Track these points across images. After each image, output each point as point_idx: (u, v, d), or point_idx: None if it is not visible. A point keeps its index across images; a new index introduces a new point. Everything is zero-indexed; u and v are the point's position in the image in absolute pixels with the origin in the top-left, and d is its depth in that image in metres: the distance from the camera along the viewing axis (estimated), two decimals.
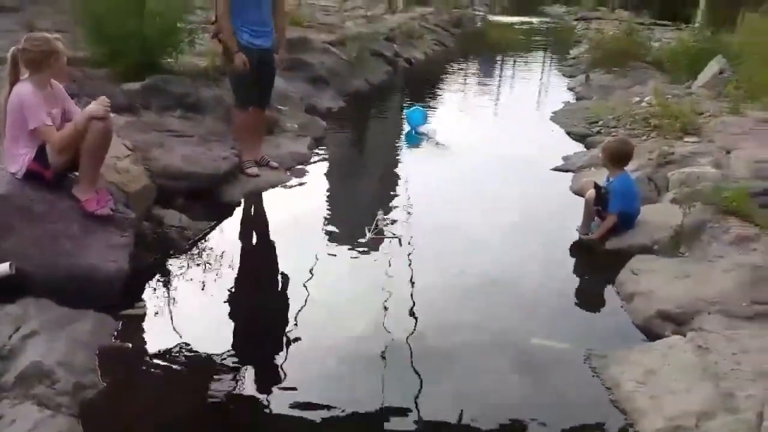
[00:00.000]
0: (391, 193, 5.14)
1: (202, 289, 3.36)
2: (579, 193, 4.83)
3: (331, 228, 4.34)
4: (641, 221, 4.09)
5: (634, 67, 9.67)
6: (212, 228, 4.07)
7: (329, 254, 3.90)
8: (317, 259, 3.79)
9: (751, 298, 2.98)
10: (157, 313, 3.08)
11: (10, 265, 2.78)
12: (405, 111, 7.20)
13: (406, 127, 7.06)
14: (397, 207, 4.79)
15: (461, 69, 12.16)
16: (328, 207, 4.78)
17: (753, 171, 4.63)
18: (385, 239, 4.11)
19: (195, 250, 3.77)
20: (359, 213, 4.50)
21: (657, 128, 6.24)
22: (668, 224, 3.91)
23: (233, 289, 3.42)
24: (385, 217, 4.38)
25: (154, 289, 3.32)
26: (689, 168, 4.83)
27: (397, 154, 6.34)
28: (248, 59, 4.60)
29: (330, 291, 3.49)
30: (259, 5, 4.61)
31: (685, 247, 3.73)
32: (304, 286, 3.45)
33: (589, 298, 3.56)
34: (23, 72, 3.11)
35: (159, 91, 5.36)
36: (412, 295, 3.42)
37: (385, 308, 3.27)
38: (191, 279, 3.45)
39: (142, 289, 3.28)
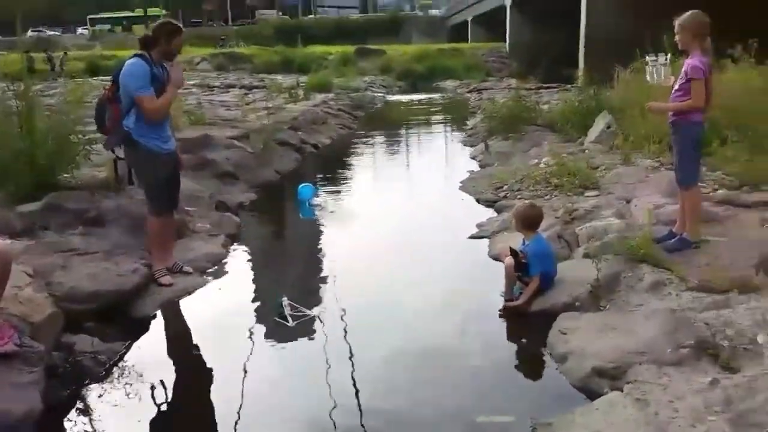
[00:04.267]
0: (313, 275, 5.14)
1: (125, 417, 3.12)
2: (497, 258, 4.95)
3: (253, 324, 4.21)
4: (559, 279, 4.21)
5: (528, 131, 10.21)
6: (128, 348, 3.81)
7: (256, 352, 3.78)
8: (245, 361, 3.64)
9: (676, 342, 3.09)
10: None
11: None
12: (297, 188, 7.57)
13: (300, 203, 7.40)
14: (319, 288, 4.81)
15: (366, 148, 12.45)
16: (250, 303, 4.63)
17: (653, 217, 4.90)
18: (317, 323, 4.11)
19: (112, 375, 3.51)
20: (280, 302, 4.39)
21: (558, 187, 6.57)
22: (585, 279, 4.04)
23: (158, 412, 3.19)
24: (293, 303, 4.30)
25: (73, 426, 3.04)
26: (595, 222, 5.07)
27: (314, 238, 6.32)
28: (163, 163, 4.54)
29: (264, 391, 3.38)
30: (166, 119, 4.59)
31: (605, 300, 3.85)
32: (236, 392, 3.30)
33: (524, 364, 3.59)
34: None
35: (57, 210, 5.11)
36: (347, 377, 3.38)
37: (324, 397, 3.21)
38: (112, 407, 3.19)
39: (59, 428, 3.00)
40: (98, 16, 62.92)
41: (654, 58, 4.51)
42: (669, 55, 4.54)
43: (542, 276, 4.14)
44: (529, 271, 4.14)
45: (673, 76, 4.38)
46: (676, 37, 4.24)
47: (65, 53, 32.81)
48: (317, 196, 7.57)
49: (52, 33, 53.46)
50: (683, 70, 4.21)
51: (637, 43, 8.21)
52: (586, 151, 8.09)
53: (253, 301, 4.69)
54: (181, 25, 4.65)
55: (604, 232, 4.78)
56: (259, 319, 4.28)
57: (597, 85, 9.91)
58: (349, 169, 10.16)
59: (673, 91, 4.31)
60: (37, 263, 4.15)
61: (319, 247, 6.02)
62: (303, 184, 7.59)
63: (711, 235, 4.43)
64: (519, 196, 6.68)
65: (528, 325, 3.97)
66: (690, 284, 3.74)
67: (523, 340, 3.87)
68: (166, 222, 4.78)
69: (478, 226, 6.08)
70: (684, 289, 3.71)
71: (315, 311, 4.28)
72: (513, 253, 4.23)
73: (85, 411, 3.17)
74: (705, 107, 4.27)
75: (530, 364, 3.57)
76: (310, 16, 65.12)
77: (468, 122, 14.39)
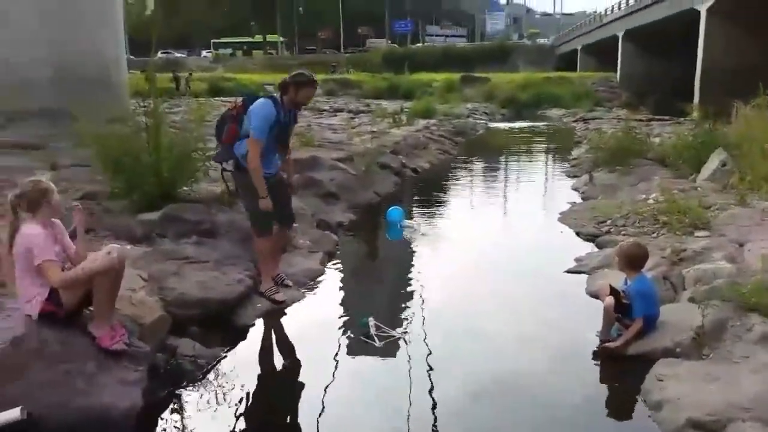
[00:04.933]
0: (403, 297, 5.19)
1: (216, 421, 3.29)
2: (595, 295, 4.79)
3: (343, 340, 4.32)
4: (661, 323, 4.01)
5: (636, 164, 9.82)
6: (226, 354, 4.03)
7: (341, 368, 3.88)
8: (334, 377, 3.76)
9: None
10: None
11: (21, 409, 2.76)
12: (387, 212, 7.75)
13: (389, 224, 7.58)
14: (408, 310, 4.87)
15: (465, 174, 12.47)
16: (342, 319, 4.74)
17: None
18: (402, 345, 4.18)
19: (209, 379, 3.72)
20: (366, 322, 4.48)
21: (666, 224, 6.26)
22: (689, 325, 3.84)
23: (248, 419, 3.34)
24: (379, 324, 4.37)
25: (168, 424, 3.25)
26: (704, 264, 4.79)
27: (407, 260, 6.40)
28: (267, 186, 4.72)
29: (344, 408, 3.46)
30: (275, 150, 4.83)
31: (709, 349, 3.63)
32: (318, 405, 3.41)
33: (616, 408, 3.45)
34: (23, 216, 3.23)
35: (175, 220, 5.50)
36: (427, 403, 3.40)
37: (401, 420, 3.25)
38: (205, 410, 3.39)
39: (156, 424, 3.22)
40: (221, 40, 67.16)
41: None
42: None
43: (645, 318, 3.97)
44: (632, 313, 3.99)
45: None
46: None
47: (190, 74, 35.19)
48: (408, 219, 7.68)
49: (179, 55, 57.62)
50: None
51: (760, 78, 7.76)
52: (699, 188, 7.67)
53: (345, 317, 4.80)
54: (315, 79, 4.80)
55: (713, 276, 4.51)
56: (349, 336, 4.38)
57: (713, 119, 9.39)
58: (446, 194, 10.21)
59: None
60: (152, 269, 4.48)
61: (411, 269, 6.07)
62: (392, 207, 7.78)
63: None
64: (623, 232, 6.44)
65: (624, 369, 3.81)
66: None
67: (617, 384, 3.73)
68: (275, 239, 4.97)
69: (577, 260, 5.91)
70: None
71: (402, 333, 4.34)
72: (613, 292, 4.09)
73: (180, 411, 3.38)
74: None
75: (622, 410, 3.43)
76: (419, 44, 66.20)
77: (572, 152, 14.04)
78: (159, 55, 50.74)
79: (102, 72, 10.75)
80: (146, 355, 3.36)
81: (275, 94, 4.75)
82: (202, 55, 63.25)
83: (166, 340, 3.86)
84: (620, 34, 36.14)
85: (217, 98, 21.73)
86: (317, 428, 3.23)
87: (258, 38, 67.18)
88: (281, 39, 68.08)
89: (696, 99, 21.32)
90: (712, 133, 9.01)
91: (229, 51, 63.56)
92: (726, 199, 6.85)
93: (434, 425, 3.22)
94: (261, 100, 4.66)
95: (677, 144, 9.74)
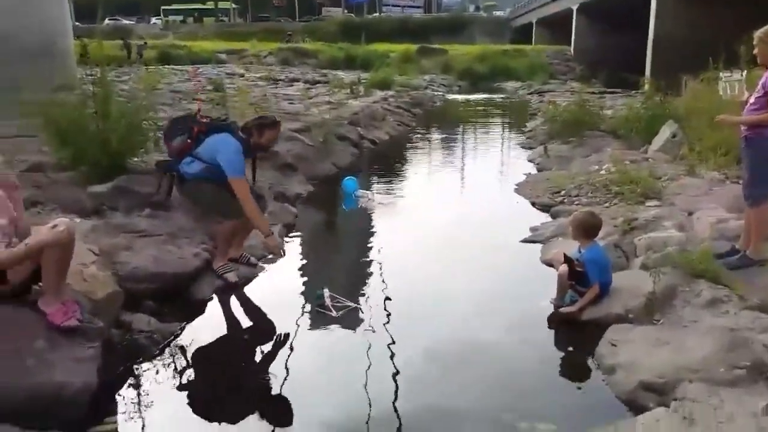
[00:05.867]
0: (361, 267, 5.21)
1: (174, 396, 3.24)
2: (549, 263, 4.88)
3: (301, 311, 4.30)
4: (614, 289, 4.12)
5: (589, 135, 9.99)
6: (182, 329, 3.96)
7: (299, 339, 3.88)
8: (292, 348, 3.75)
9: (730, 362, 2.99)
10: (128, 427, 2.95)
11: None
12: (342, 182, 7.80)
13: (345, 194, 7.64)
14: (366, 280, 4.90)
15: (423, 146, 12.48)
16: (300, 291, 4.73)
17: (716, 231, 4.75)
18: (359, 314, 4.20)
19: (165, 354, 3.65)
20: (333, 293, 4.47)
21: (618, 194, 6.41)
22: (640, 291, 3.95)
23: (206, 394, 3.31)
24: (334, 294, 4.36)
25: (124, 401, 3.18)
26: (654, 233, 4.93)
27: (366, 231, 6.40)
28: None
29: (310, 379, 3.46)
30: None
31: (659, 314, 3.75)
32: (281, 378, 3.40)
33: (571, 372, 3.54)
34: None
35: (126, 192, 5.34)
36: (392, 374, 3.41)
37: (363, 392, 3.24)
38: (162, 386, 3.33)
39: (112, 402, 3.14)
40: (171, 7, 64.93)
41: (728, 74, 4.36)
42: (744, 72, 4.38)
43: (600, 285, 4.07)
44: (585, 280, 4.08)
45: (747, 91, 4.22)
46: (755, 50, 4.09)
47: (145, 42, 33.91)
48: (363, 189, 7.70)
49: (127, 22, 55.51)
50: (760, 83, 4.04)
51: (709, 52, 7.93)
52: (650, 159, 7.87)
53: (303, 289, 4.78)
54: (278, 120, 4.85)
55: (664, 244, 4.65)
56: (307, 307, 4.37)
57: (663, 92, 9.60)
58: (404, 166, 10.21)
59: (748, 105, 4.15)
60: (104, 243, 4.34)
61: (370, 240, 6.08)
62: (347, 177, 7.80)
63: None
64: (576, 202, 6.57)
65: (578, 334, 3.91)
66: (750, 303, 3.61)
67: (571, 349, 3.83)
68: (243, 222, 4.77)
69: (532, 230, 6.01)
70: (743, 307, 3.58)
71: (357, 303, 4.36)
72: (567, 260, 4.17)
73: (137, 387, 3.32)
74: None
75: (576, 374, 3.52)
76: (375, 14, 65.41)
77: (528, 124, 14.19)
78: (106, 21, 48.80)
79: (47, 40, 10.24)
80: (100, 331, 3.26)
81: (242, 135, 4.64)
82: (151, 22, 61.06)
83: (121, 316, 3.76)
84: (574, 8, 36.41)
85: (167, 66, 21.06)
86: (276, 401, 3.22)
87: (209, 5, 65.26)
88: (233, 5, 66.23)
89: (647, 72, 21.75)
90: (663, 105, 9.22)
91: (179, 18, 61.58)
92: (676, 169, 7.05)
93: (395, 391, 3.25)
94: (232, 140, 4.52)
95: (629, 116, 9.94)
